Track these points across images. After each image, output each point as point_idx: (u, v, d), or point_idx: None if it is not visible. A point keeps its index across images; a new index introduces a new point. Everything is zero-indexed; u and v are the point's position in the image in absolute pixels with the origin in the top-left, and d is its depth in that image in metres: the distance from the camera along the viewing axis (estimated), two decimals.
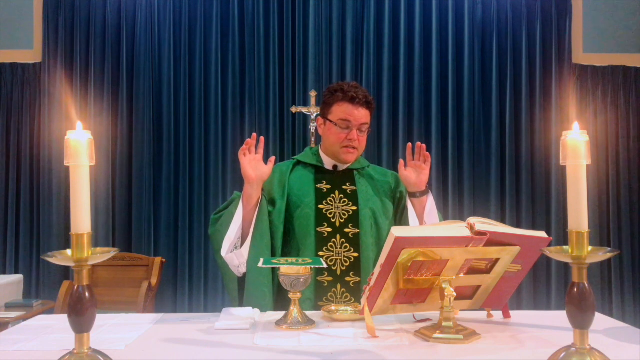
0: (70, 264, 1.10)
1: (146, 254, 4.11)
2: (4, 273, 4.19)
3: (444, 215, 4.34)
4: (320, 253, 1.91)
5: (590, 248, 1.11)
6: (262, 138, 1.94)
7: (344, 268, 1.91)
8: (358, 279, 1.90)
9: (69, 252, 1.11)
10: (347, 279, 1.90)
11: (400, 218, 2.04)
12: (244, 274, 1.89)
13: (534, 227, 4.21)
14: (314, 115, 4.05)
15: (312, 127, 4.04)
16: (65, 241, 4.22)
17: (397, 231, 1.33)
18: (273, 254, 1.92)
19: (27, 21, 4.46)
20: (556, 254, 1.15)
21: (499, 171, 4.49)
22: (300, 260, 1.61)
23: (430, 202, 1.99)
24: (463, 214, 4.36)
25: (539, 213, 4.49)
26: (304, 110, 4.13)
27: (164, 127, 4.42)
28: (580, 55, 4.61)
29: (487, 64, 4.55)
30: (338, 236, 1.93)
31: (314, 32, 4.45)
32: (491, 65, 4.53)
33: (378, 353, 1.25)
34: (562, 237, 4.10)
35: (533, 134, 4.51)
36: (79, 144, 1.12)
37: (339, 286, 1.90)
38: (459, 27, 4.53)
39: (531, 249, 1.46)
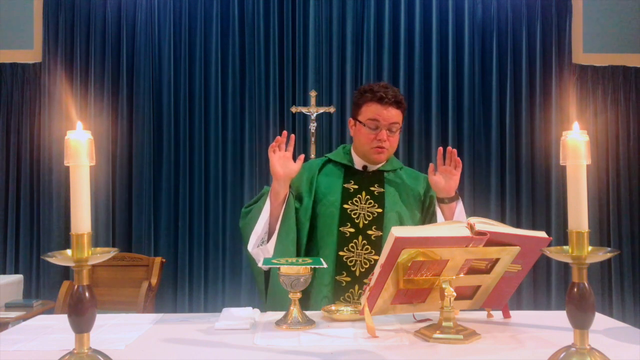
0: (70, 264, 1.10)
1: (146, 254, 4.11)
2: (4, 273, 4.19)
3: None
4: (341, 253, 1.91)
5: (590, 248, 1.11)
6: (292, 136, 1.93)
7: (363, 270, 1.90)
8: None
9: (69, 252, 1.11)
10: (366, 280, 1.90)
11: (428, 223, 2.01)
12: (269, 269, 1.91)
13: (534, 227, 4.21)
14: (314, 115, 4.06)
15: (312, 127, 4.04)
16: (65, 241, 4.22)
17: (397, 231, 1.33)
18: (298, 250, 1.93)
19: (27, 21, 4.46)
20: (556, 254, 1.15)
21: (499, 171, 4.49)
22: (300, 260, 1.61)
23: (459, 209, 1.96)
24: None
25: (539, 213, 4.49)
26: (304, 110, 4.13)
27: (164, 127, 4.42)
28: (580, 55, 4.61)
29: (487, 64, 4.55)
30: (360, 237, 1.93)
31: (314, 32, 4.45)
32: (491, 65, 4.53)
33: (378, 353, 1.25)
34: (562, 237, 4.10)
35: (533, 134, 4.51)
36: (79, 144, 1.12)
37: (357, 287, 1.89)
38: (459, 27, 4.53)
39: (531, 249, 1.46)
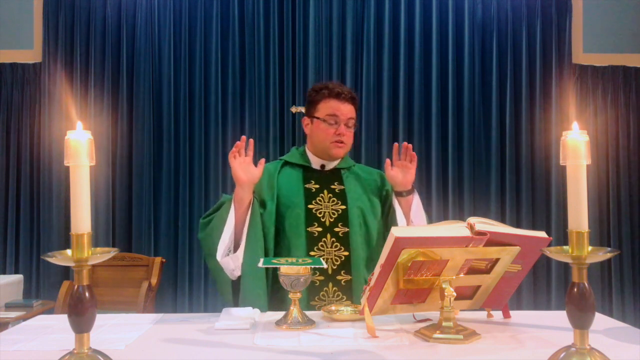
0: (70, 264, 1.10)
1: (146, 254, 4.10)
2: (4, 273, 4.19)
3: (444, 215, 4.37)
4: (312, 253, 1.92)
5: (590, 248, 1.11)
6: (251, 140, 1.93)
7: (334, 267, 1.91)
8: (349, 277, 1.92)
9: (69, 252, 1.11)
10: (339, 277, 1.92)
11: (387, 217, 2.05)
12: (238, 277, 1.89)
13: (534, 227, 4.21)
14: None
15: None
16: (65, 241, 4.22)
17: (397, 231, 1.33)
18: (265, 256, 1.92)
19: (27, 21, 4.45)
20: (556, 254, 1.15)
21: (499, 171, 4.49)
22: (300, 260, 1.61)
23: (416, 201, 2.02)
24: (463, 214, 4.35)
25: (539, 213, 4.49)
26: (303, 110, 4.12)
27: (164, 127, 4.41)
28: (580, 55, 4.61)
29: (487, 64, 4.55)
30: (328, 235, 1.95)
31: (314, 32, 4.45)
32: (491, 65, 4.52)
33: (378, 353, 1.25)
34: (562, 237, 4.10)
35: (533, 134, 4.50)
36: (79, 144, 1.12)
37: (330, 285, 1.91)
38: (459, 27, 4.53)
39: (531, 249, 1.46)
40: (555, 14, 4.55)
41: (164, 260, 3.71)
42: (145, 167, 4.37)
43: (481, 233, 1.39)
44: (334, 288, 1.90)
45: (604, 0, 4.62)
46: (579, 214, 1.12)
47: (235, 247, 1.87)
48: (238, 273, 1.86)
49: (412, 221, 1.98)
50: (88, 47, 4.40)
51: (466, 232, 1.39)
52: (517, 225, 4.13)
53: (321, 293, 1.90)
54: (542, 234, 1.50)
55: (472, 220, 1.42)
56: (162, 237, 4.38)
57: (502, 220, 4.29)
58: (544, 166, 4.50)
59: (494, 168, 4.48)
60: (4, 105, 4.38)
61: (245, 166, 1.89)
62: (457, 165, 4.48)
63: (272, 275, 1.91)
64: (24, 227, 4.33)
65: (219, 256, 1.82)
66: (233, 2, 4.45)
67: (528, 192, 4.48)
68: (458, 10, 4.52)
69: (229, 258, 1.84)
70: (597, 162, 4.43)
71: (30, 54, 4.44)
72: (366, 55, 4.48)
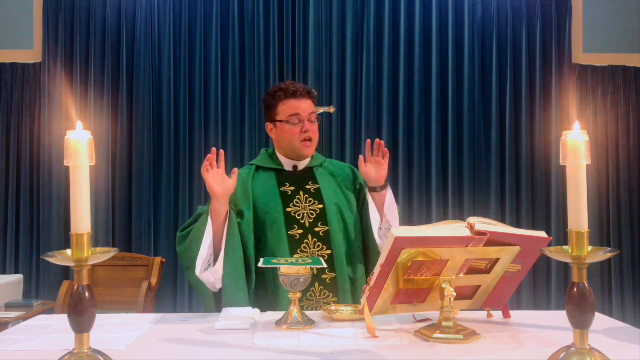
0: (70, 264, 1.10)
1: (146, 254, 4.10)
2: (4, 273, 4.19)
3: (444, 215, 4.37)
4: (296, 256, 1.91)
5: (590, 248, 1.11)
6: (222, 151, 1.90)
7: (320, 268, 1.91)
8: (333, 275, 1.93)
9: (69, 252, 1.11)
10: (324, 276, 1.92)
11: (360, 211, 2.07)
12: (220, 289, 1.86)
13: (534, 227, 4.21)
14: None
15: None
16: (65, 241, 4.22)
17: (397, 231, 1.33)
18: (247, 265, 1.90)
19: (27, 21, 4.45)
20: (556, 254, 1.15)
21: (499, 171, 4.49)
22: (300, 260, 1.61)
23: (389, 196, 2.03)
24: (463, 214, 4.35)
25: (539, 213, 4.49)
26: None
27: (164, 127, 4.41)
28: (580, 55, 4.61)
29: (487, 63, 4.55)
30: (310, 236, 1.95)
31: (314, 32, 4.45)
32: (491, 65, 4.52)
33: (378, 353, 1.25)
34: (562, 237, 4.10)
35: (533, 134, 4.50)
36: (79, 144, 1.12)
37: (317, 285, 1.91)
38: (459, 27, 4.53)
39: (531, 249, 1.46)
40: (555, 14, 4.55)
41: (164, 260, 3.71)
42: (145, 167, 4.38)
43: (481, 233, 1.39)
44: (320, 287, 1.91)
45: (604, 0, 4.62)
46: (579, 214, 1.12)
47: (215, 260, 1.85)
48: (219, 285, 1.84)
49: (385, 215, 2.00)
50: (88, 47, 4.40)
51: (466, 232, 1.39)
52: (517, 225, 4.13)
53: (308, 293, 1.90)
54: (542, 234, 1.50)
55: (472, 220, 1.42)
56: (162, 237, 4.38)
57: (502, 220, 4.28)
58: (544, 166, 4.50)
59: (494, 168, 4.48)
60: (4, 105, 4.38)
61: (219, 178, 1.86)
62: (457, 165, 4.48)
63: (255, 285, 1.91)
64: (24, 227, 4.33)
65: (198, 271, 1.80)
66: (233, 2, 4.45)
67: (528, 192, 4.48)
68: (458, 10, 4.52)
69: (209, 272, 1.82)
70: (597, 162, 4.43)
71: (30, 54, 4.44)
72: (366, 55, 4.48)
